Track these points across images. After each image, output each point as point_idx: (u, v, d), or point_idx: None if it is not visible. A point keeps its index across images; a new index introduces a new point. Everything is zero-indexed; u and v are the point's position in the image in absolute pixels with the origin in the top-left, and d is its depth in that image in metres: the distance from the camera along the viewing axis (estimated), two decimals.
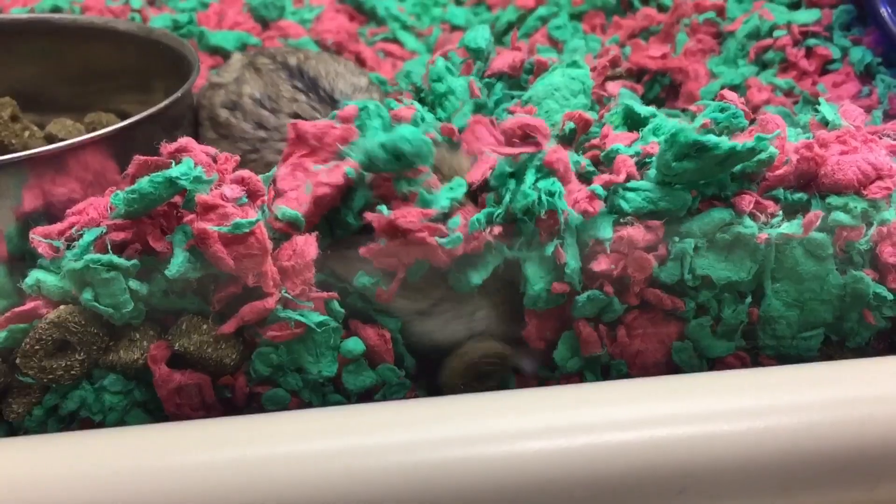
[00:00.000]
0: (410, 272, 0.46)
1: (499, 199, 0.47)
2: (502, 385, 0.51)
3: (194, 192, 0.43)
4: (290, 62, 0.65)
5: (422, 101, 0.67)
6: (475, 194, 0.49)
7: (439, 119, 0.64)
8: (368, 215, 0.44)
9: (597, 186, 0.49)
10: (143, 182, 0.42)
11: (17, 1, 0.90)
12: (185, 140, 0.46)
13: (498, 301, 0.49)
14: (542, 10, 0.91)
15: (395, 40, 0.97)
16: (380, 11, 0.99)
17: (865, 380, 0.45)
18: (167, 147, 0.46)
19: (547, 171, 0.48)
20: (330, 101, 0.64)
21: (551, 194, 0.47)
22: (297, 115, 0.62)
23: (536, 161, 0.48)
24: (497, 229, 0.46)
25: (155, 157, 0.45)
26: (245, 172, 0.46)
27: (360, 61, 0.89)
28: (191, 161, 0.44)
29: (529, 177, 0.47)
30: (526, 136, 0.49)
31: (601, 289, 0.48)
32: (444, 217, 0.45)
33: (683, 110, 0.70)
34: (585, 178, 0.52)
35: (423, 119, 0.55)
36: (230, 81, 0.63)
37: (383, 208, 0.44)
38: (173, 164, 0.44)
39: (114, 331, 0.46)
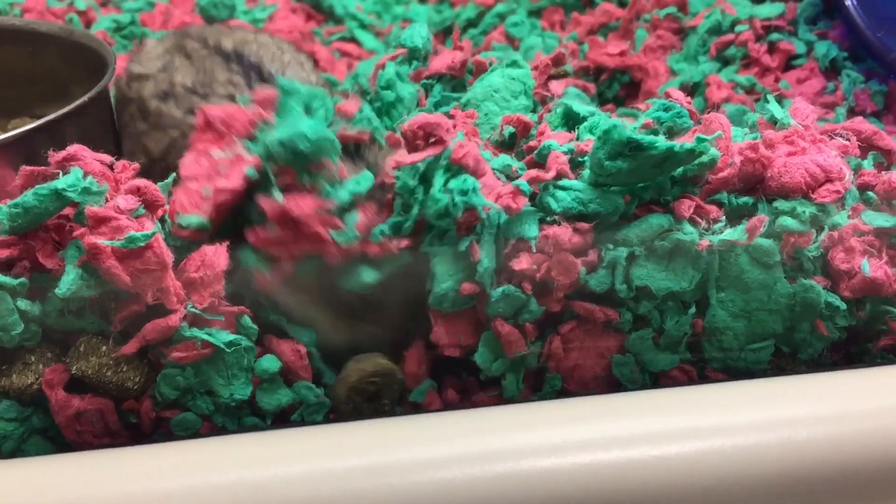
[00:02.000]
0: (301, 268, 0.43)
1: (407, 208, 0.44)
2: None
3: (84, 204, 0.40)
4: (224, 46, 0.61)
5: (369, 104, 0.64)
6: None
7: (387, 127, 0.61)
8: (261, 200, 0.41)
9: (522, 182, 0.46)
10: (28, 195, 0.39)
11: None
12: (74, 147, 0.42)
13: (390, 312, 0.46)
14: (500, 7, 0.88)
15: (353, 39, 0.94)
16: (338, 10, 0.96)
17: (855, 393, 0.42)
18: (55, 156, 0.43)
19: (456, 168, 0.45)
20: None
21: (464, 192, 0.44)
22: (234, 99, 0.59)
23: (443, 161, 0.45)
24: (404, 242, 0.43)
25: (43, 168, 0.42)
26: (141, 181, 0.42)
27: (315, 62, 0.85)
28: (79, 171, 0.40)
29: (438, 179, 0.44)
30: (428, 135, 0.46)
31: (519, 286, 0.45)
32: (342, 211, 0.42)
33: (637, 109, 0.67)
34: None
35: (368, 120, 0.52)
36: (158, 70, 0.60)
37: (277, 193, 0.41)
38: (60, 174, 0.41)
39: (5, 354, 0.43)
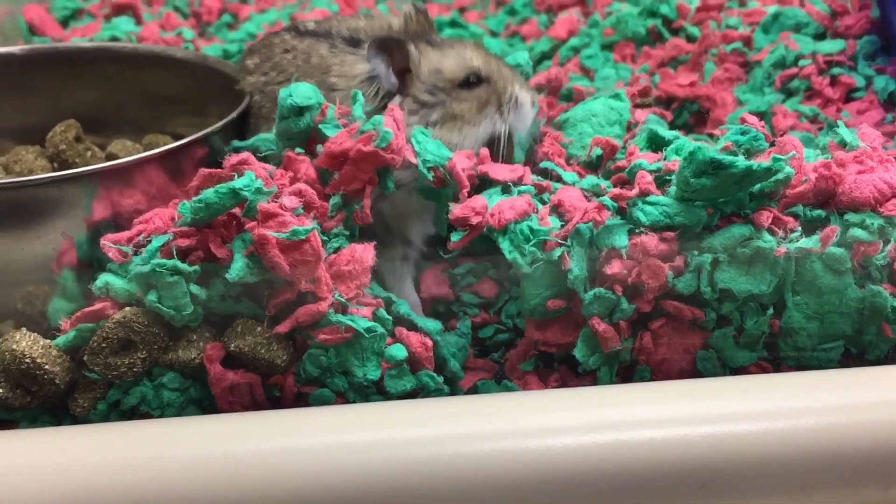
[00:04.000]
0: None
1: None
2: None
3: (255, 202, 0.47)
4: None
5: None
6: None
7: None
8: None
9: (606, 199, 0.52)
10: (209, 192, 0.46)
11: (77, 31, 0.96)
12: (245, 154, 0.50)
13: None
14: (574, 41, 0.95)
15: None
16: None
17: (880, 385, 0.47)
18: (230, 160, 0.50)
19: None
20: None
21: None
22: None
23: None
24: None
25: (218, 170, 0.49)
26: (302, 186, 0.49)
27: None
28: (252, 174, 0.47)
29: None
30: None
31: (611, 289, 0.51)
32: None
33: (710, 135, 0.72)
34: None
35: None
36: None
37: None
38: (235, 176, 0.48)
39: (173, 332, 0.50)
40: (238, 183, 0.47)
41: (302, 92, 0.53)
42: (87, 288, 0.52)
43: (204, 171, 0.49)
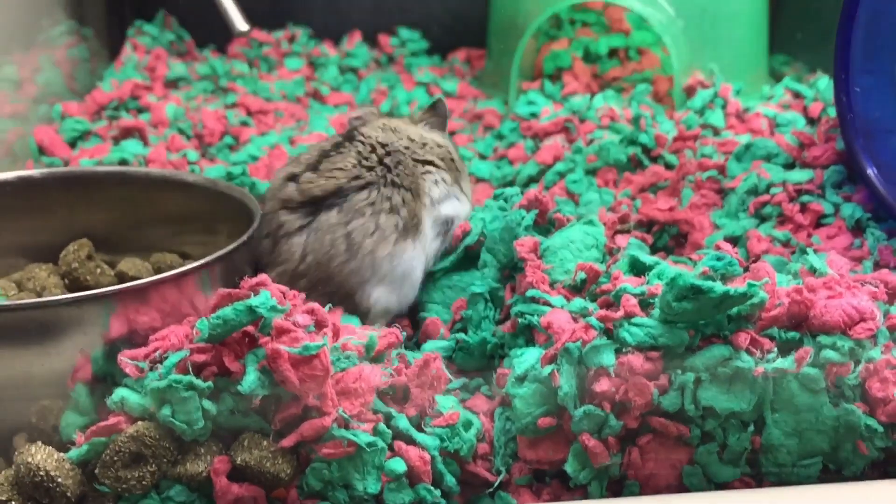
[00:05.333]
0: None
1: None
2: None
3: (270, 319, 0.50)
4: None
5: None
6: None
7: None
8: None
9: (592, 319, 0.56)
10: (227, 310, 0.50)
11: (85, 152, 1.01)
12: (262, 276, 0.53)
13: None
14: (559, 166, 1.00)
15: None
16: None
17: (859, 501, 0.50)
18: (247, 281, 0.53)
19: None
20: None
21: None
22: None
23: None
24: None
25: (236, 290, 0.52)
26: (314, 305, 0.53)
27: None
28: (268, 293, 0.51)
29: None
30: None
31: (599, 405, 0.54)
32: None
33: (689, 259, 0.77)
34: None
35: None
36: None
37: None
38: (252, 295, 0.51)
39: (182, 445, 0.52)
40: (254, 301, 0.50)
41: None
42: (98, 402, 0.55)
43: (222, 290, 0.52)
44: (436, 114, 0.78)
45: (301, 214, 0.63)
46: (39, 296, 0.67)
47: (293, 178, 0.64)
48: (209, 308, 0.52)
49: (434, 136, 0.74)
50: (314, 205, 0.63)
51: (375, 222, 0.63)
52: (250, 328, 0.51)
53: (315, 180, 0.64)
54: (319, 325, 0.52)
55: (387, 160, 0.66)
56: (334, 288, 0.62)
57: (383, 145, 0.68)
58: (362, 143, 0.68)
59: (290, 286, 0.60)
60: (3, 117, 1.03)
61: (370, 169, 0.65)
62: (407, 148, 0.69)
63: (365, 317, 0.65)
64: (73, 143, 1.06)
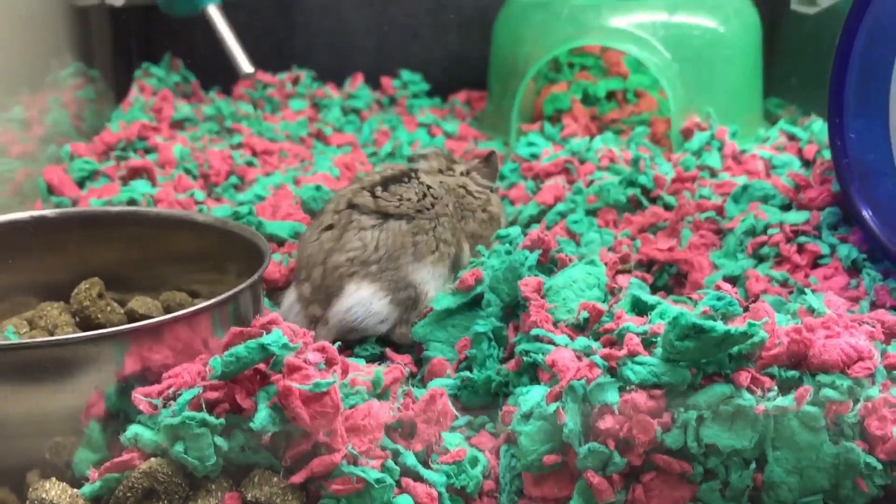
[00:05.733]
0: None
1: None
2: None
3: (281, 356, 0.51)
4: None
5: None
6: None
7: None
8: None
9: (597, 357, 0.57)
10: (240, 348, 0.51)
11: (93, 192, 1.02)
12: (273, 314, 0.54)
13: None
14: (560, 206, 1.02)
15: None
16: None
17: None
18: (259, 320, 0.55)
19: None
20: None
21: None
22: None
23: None
24: None
25: (248, 329, 0.54)
26: (325, 343, 0.54)
27: None
28: (279, 331, 0.52)
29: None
30: None
31: (604, 443, 0.55)
32: None
33: (689, 298, 0.78)
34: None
35: None
36: None
37: None
38: (264, 333, 0.52)
39: (193, 482, 0.52)
40: (266, 339, 0.51)
41: None
42: (111, 439, 0.55)
43: (234, 328, 0.53)
44: (488, 165, 0.92)
45: (373, 217, 0.79)
46: (51, 334, 0.68)
47: (370, 190, 0.81)
48: (222, 346, 0.53)
49: (476, 190, 0.89)
50: (384, 215, 0.79)
51: (436, 245, 0.80)
52: (262, 366, 0.52)
53: (390, 199, 0.80)
54: (330, 362, 0.54)
55: (437, 208, 0.82)
56: (399, 276, 0.78)
57: (435, 198, 0.82)
58: (421, 184, 0.83)
59: (359, 269, 0.76)
60: (13, 157, 1.04)
61: (428, 209, 0.81)
62: (449, 213, 0.84)
63: (418, 301, 0.78)
64: (81, 183, 1.07)
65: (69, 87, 1.27)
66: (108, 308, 0.73)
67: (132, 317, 0.72)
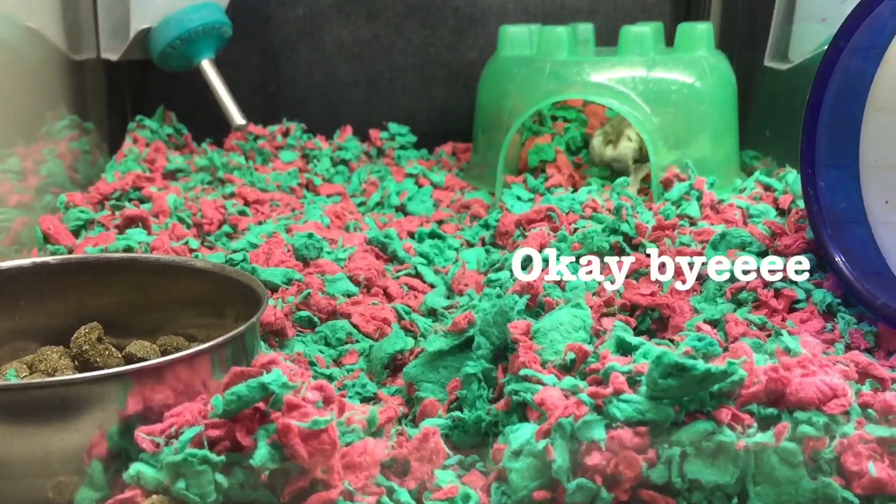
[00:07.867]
0: None
1: None
2: None
3: (281, 395, 0.53)
4: None
5: None
6: None
7: None
8: None
9: (584, 395, 0.60)
10: (241, 387, 0.53)
11: (89, 241, 1.04)
12: (273, 354, 0.57)
13: None
14: (544, 253, 1.05)
15: (417, 275, 1.10)
16: (400, 253, 1.13)
17: None
18: (259, 360, 0.57)
19: None
20: None
21: None
22: None
23: None
24: None
25: (248, 368, 0.56)
26: (323, 382, 0.56)
27: (388, 295, 1.01)
28: (279, 371, 0.54)
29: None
30: None
31: (591, 479, 0.57)
32: None
33: (671, 340, 0.81)
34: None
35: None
36: None
37: None
38: (264, 373, 0.55)
39: None
40: (266, 378, 0.53)
41: None
42: (112, 478, 0.57)
43: (235, 368, 0.55)
44: None
45: None
46: (51, 377, 0.70)
47: None
48: (222, 385, 0.55)
49: None
50: None
51: None
52: (261, 404, 0.54)
53: None
54: (327, 400, 0.56)
55: None
56: None
57: None
58: None
59: None
60: (9, 207, 1.07)
61: None
62: None
63: None
64: (76, 232, 1.09)
65: (64, 139, 1.30)
66: (107, 352, 0.74)
67: (130, 360, 0.74)
